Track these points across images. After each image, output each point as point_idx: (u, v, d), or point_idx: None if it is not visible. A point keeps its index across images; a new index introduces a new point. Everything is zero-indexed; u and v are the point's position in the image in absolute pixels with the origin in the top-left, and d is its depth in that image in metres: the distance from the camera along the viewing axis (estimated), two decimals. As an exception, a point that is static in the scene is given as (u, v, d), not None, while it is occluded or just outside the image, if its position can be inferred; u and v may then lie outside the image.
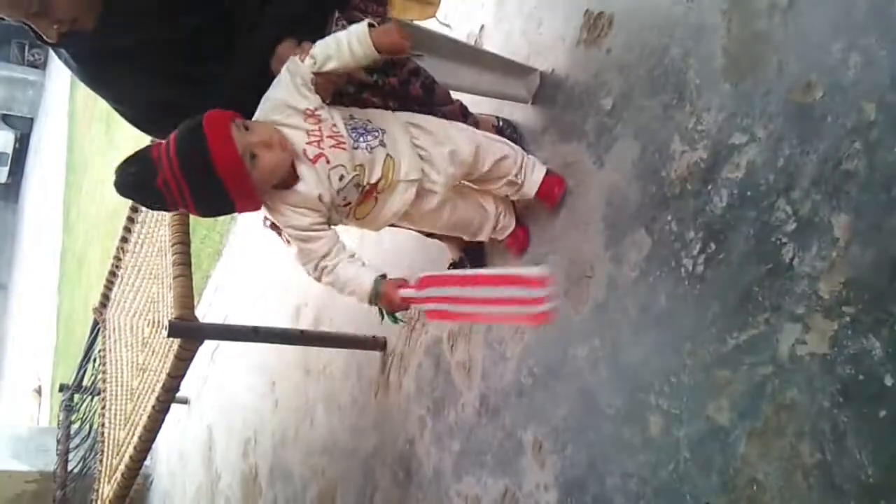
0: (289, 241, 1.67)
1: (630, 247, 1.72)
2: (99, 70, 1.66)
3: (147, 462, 5.37)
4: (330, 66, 1.57)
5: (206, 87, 1.64)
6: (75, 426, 4.85)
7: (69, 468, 4.57)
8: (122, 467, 2.93)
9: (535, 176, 1.90)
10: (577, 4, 2.01)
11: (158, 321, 2.99)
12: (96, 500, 3.35)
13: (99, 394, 3.94)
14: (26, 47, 21.97)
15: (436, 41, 1.97)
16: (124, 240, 3.71)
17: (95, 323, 4.26)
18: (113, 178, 1.52)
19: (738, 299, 1.44)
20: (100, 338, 4.13)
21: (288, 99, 1.59)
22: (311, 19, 1.68)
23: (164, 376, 2.50)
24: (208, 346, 4.86)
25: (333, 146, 1.59)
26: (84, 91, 13.64)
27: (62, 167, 15.25)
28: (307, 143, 1.57)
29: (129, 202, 3.48)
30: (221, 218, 5.25)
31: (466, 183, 1.89)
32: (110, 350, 3.82)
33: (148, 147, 1.52)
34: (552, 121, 2.04)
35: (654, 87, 1.73)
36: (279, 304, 3.89)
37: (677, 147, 1.64)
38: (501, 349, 2.08)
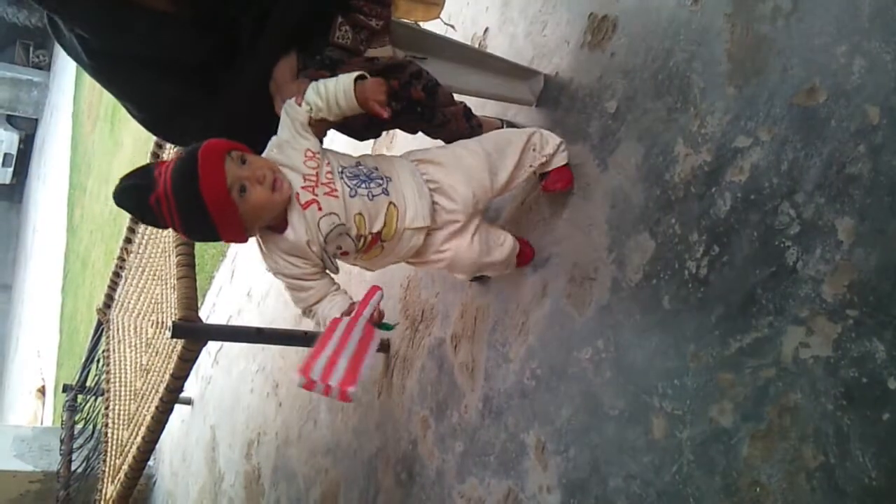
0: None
1: (634, 249, 1.72)
2: (109, 66, 1.66)
3: (150, 462, 5.39)
4: (321, 115, 1.60)
5: (213, 89, 1.65)
6: (79, 426, 4.86)
7: (72, 468, 4.59)
8: (125, 467, 2.94)
9: (555, 161, 1.90)
10: (582, 8, 2.01)
11: (162, 322, 3.00)
12: (100, 501, 3.36)
13: (102, 394, 3.95)
14: (31, 48, 22.04)
15: (440, 44, 1.98)
16: (128, 241, 3.72)
17: (99, 323, 4.27)
18: (114, 191, 1.53)
19: (742, 302, 1.44)
20: (103, 338, 4.14)
21: (290, 140, 1.61)
22: (312, 28, 1.69)
23: (167, 377, 2.51)
24: (212, 347, 4.89)
25: (326, 193, 1.58)
26: (88, 92, 13.67)
27: (66, 168, 15.29)
28: (301, 188, 1.57)
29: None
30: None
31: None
32: (114, 350, 3.83)
33: (154, 163, 1.53)
34: (556, 123, 2.05)
35: (658, 91, 1.74)
36: (283, 306, 3.90)
37: (681, 150, 1.64)
38: (504, 351, 2.09)
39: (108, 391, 3.72)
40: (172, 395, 2.54)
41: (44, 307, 14.37)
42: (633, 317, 1.69)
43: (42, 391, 11.65)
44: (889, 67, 1.27)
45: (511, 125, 2.14)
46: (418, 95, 1.77)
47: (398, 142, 2.83)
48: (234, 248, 5.06)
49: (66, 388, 5.12)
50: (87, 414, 4.78)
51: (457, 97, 1.93)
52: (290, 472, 3.48)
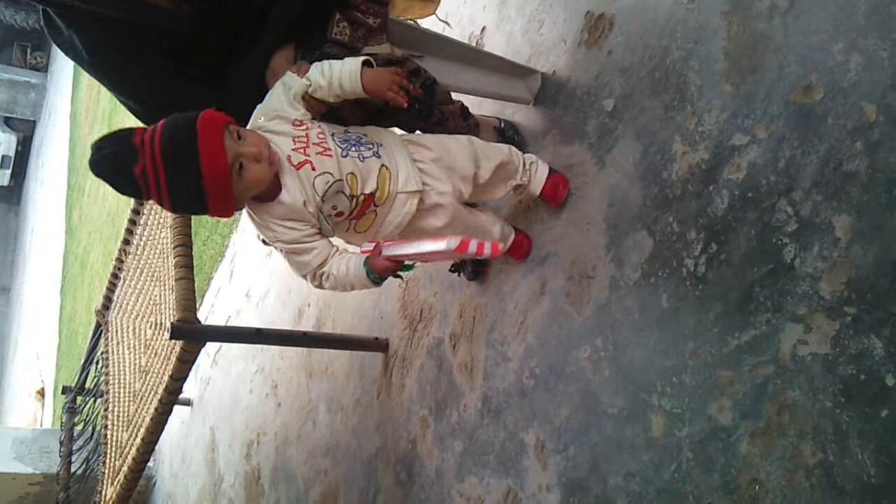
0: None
1: (632, 248, 1.72)
2: (108, 62, 1.67)
3: (150, 464, 5.39)
4: (320, 94, 1.59)
5: (212, 83, 1.66)
6: (78, 428, 4.85)
7: (72, 470, 4.58)
8: (125, 469, 2.93)
9: (538, 175, 1.90)
10: (578, 6, 2.01)
11: (161, 323, 3.00)
12: (99, 502, 3.36)
13: (101, 396, 3.95)
14: (28, 50, 22.01)
15: (437, 43, 1.98)
16: (126, 242, 3.71)
17: (98, 325, 4.26)
18: (89, 154, 1.48)
19: (740, 300, 1.44)
20: (102, 340, 4.13)
21: (278, 108, 1.60)
22: (311, 24, 1.69)
23: (166, 378, 2.51)
24: (211, 348, 4.89)
25: (319, 153, 1.57)
26: (86, 94, 13.65)
27: (64, 170, 15.26)
28: (292, 150, 1.56)
29: (132, 205, 3.49)
30: (224, 220, 5.27)
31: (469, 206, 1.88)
32: (113, 352, 3.82)
33: (130, 130, 1.47)
34: (554, 122, 2.05)
35: (656, 89, 1.74)
36: (281, 306, 3.89)
37: (679, 148, 1.64)
38: (503, 350, 2.09)
39: (108, 393, 3.72)
40: (171, 396, 2.54)
41: (42, 309, 14.35)
42: (632, 315, 1.69)
43: (41, 393, 11.63)
44: (885, 64, 1.27)
45: (509, 124, 2.13)
46: (416, 93, 1.77)
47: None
48: (233, 249, 5.05)
49: (65, 390, 5.11)
50: (87, 416, 4.77)
51: (454, 96, 1.93)
52: (289, 472, 3.47)
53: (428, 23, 2.02)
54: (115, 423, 3.46)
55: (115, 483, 3.08)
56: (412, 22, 1.95)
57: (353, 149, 1.63)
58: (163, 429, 2.70)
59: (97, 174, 1.49)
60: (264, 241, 1.70)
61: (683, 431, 1.52)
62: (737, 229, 1.47)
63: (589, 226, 1.85)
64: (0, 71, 21.72)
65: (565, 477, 1.81)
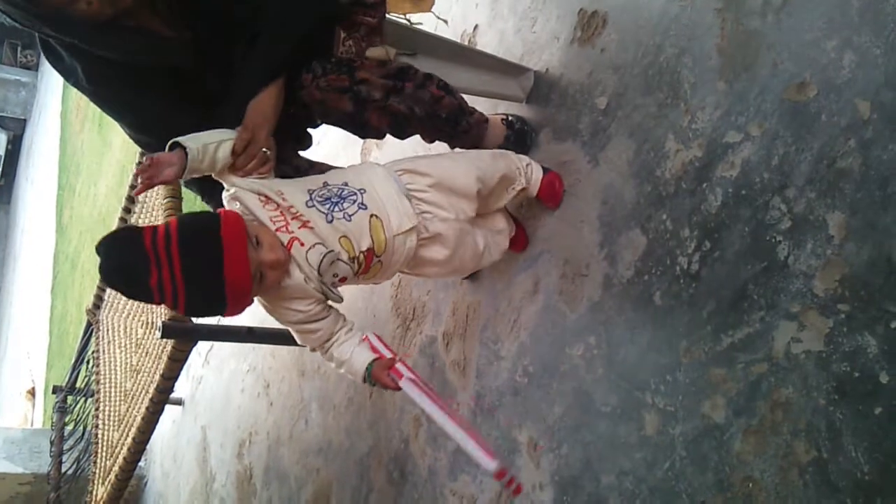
0: None
1: (625, 245, 1.72)
2: (110, 91, 1.66)
3: (141, 463, 5.37)
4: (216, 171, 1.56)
5: (209, 107, 1.65)
6: (69, 428, 4.83)
7: (63, 470, 4.57)
8: (116, 468, 2.92)
9: (534, 176, 1.89)
10: (571, 3, 2.01)
11: (152, 322, 2.99)
12: (90, 502, 3.35)
13: (92, 395, 3.94)
14: (19, 48, 21.90)
15: (429, 41, 1.97)
16: (118, 241, 3.69)
17: (89, 324, 4.24)
18: (100, 264, 1.40)
19: (734, 297, 1.44)
20: (93, 339, 4.12)
21: (238, 192, 1.55)
22: (316, 39, 1.69)
23: (157, 377, 2.50)
24: (202, 346, 4.87)
25: (300, 227, 1.50)
26: (76, 93, 13.59)
27: (55, 169, 15.20)
28: (276, 231, 1.49)
29: (123, 203, 3.47)
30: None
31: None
32: (104, 351, 3.81)
33: (138, 232, 1.40)
34: (547, 120, 2.04)
35: (649, 86, 1.73)
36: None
37: (672, 146, 1.64)
38: (496, 348, 2.08)
39: (98, 392, 3.71)
40: (163, 395, 2.53)
41: (33, 309, 14.30)
42: (625, 313, 1.69)
43: (32, 393, 11.59)
44: (879, 62, 1.27)
45: (517, 117, 2.09)
46: (437, 93, 1.77)
47: (388, 140, 2.81)
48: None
49: (55, 390, 5.09)
50: (77, 415, 4.76)
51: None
52: (281, 471, 3.46)
53: (420, 20, 2.01)
54: (106, 422, 3.45)
55: (106, 483, 3.07)
56: (404, 20, 1.94)
57: (337, 209, 1.55)
58: (154, 428, 2.69)
59: (109, 284, 1.46)
60: None
61: (677, 429, 1.52)
62: (730, 227, 1.47)
63: (582, 223, 1.85)
64: (-10, 69, 21.63)
65: (558, 475, 1.80)
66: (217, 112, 1.63)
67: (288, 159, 1.83)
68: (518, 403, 1.97)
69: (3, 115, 22.37)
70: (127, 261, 1.38)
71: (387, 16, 1.81)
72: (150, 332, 3.00)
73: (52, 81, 17.29)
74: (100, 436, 3.50)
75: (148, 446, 2.86)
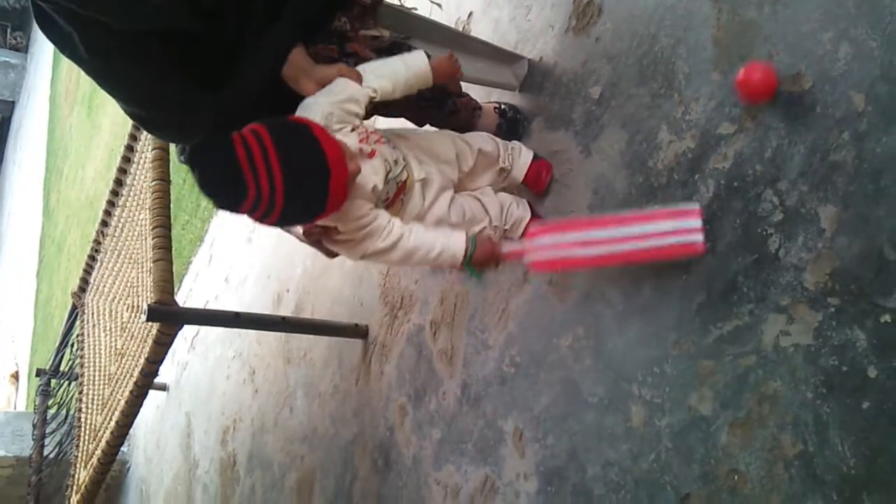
0: (337, 245, 1.63)
1: (615, 236, 1.71)
2: (109, 63, 1.62)
3: (124, 448, 5.35)
4: (384, 98, 1.60)
5: (217, 86, 1.62)
6: (52, 411, 4.80)
7: (45, 453, 4.53)
8: (98, 453, 2.90)
9: (521, 160, 1.88)
10: (567, -8, 1.99)
11: (138, 305, 2.96)
12: (72, 486, 3.32)
13: (76, 379, 3.90)
14: (8, 30, 21.72)
15: (423, 26, 1.95)
16: (104, 223, 3.66)
17: (74, 307, 4.21)
18: (198, 175, 1.36)
19: (723, 290, 1.44)
20: (78, 322, 4.08)
21: (338, 113, 1.56)
22: (325, 20, 1.67)
23: (142, 361, 2.47)
24: (188, 332, 4.84)
25: (376, 141, 1.59)
26: (66, 75, 13.51)
27: (43, 152, 15.08)
28: (359, 142, 1.55)
29: (110, 185, 3.44)
30: (203, 204, 5.21)
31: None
32: (88, 335, 3.78)
33: (227, 141, 1.36)
34: (540, 109, 2.03)
35: (643, 76, 1.72)
36: (260, 291, 3.86)
37: (665, 136, 1.63)
38: (484, 337, 2.07)
39: (82, 375, 3.67)
40: (147, 379, 2.50)
41: (18, 292, 14.21)
42: (614, 305, 1.68)
43: (15, 376, 11.52)
44: (875, 54, 1.27)
45: (510, 106, 2.08)
46: None
47: (380, 122, 2.80)
48: (212, 234, 5.01)
49: (39, 373, 5.06)
50: (61, 399, 4.72)
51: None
52: (265, 458, 3.45)
53: (415, 5, 1.99)
54: (90, 406, 3.42)
55: (89, 467, 3.04)
56: (398, 2, 1.92)
57: (383, 139, 1.65)
58: (137, 412, 2.66)
59: (209, 192, 1.39)
60: (315, 239, 1.67)
61: (663, 421, 1.51)
62: (722, 219, 1.47)
63: (573, 213, 1.84)
64: (-21, 50, 21.45)
65: (543, 465, 1.80)
66: (239, 71, 1.60)
67: None
68: (505, 393, 1.96)
69: (-9, 96, 22.19)
70: (225, 167, 1.35)
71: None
72: (135, 316, 2.98)
73: (41, 63, 17.16)
74: (83, 419, 3.47)
75: (131, 431, 2.84)
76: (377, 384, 2.60)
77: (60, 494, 4.20)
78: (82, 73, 1.70)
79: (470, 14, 2.41)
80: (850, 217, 1.26)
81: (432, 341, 2.31)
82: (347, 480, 2.68)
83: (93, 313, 3.83)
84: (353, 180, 1.49)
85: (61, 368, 4.77)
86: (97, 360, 3.48)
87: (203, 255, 5.15)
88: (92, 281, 3.93)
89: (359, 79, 1.58)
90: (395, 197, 1.65)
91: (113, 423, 2.73)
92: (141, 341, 2.72)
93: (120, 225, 3.45)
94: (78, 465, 3.29)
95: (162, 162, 2.74)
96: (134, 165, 3.22)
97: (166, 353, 2.45)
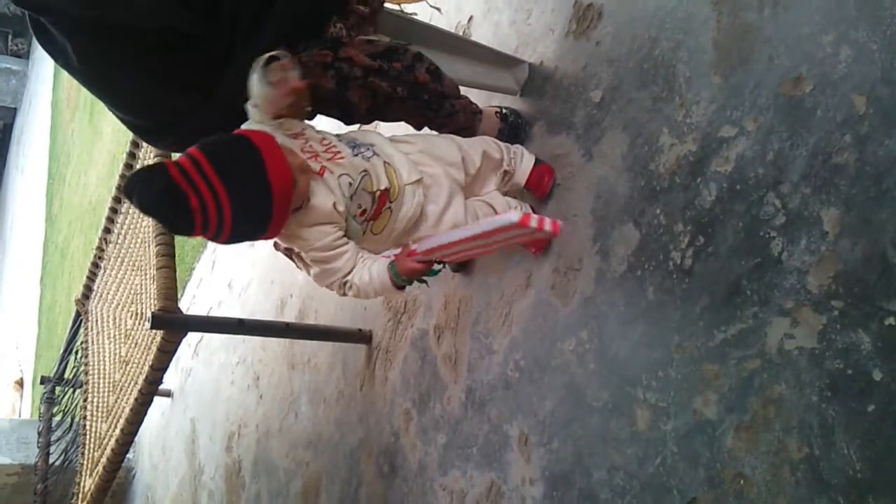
0: (305, 266, 1.65)
1: (618, 240, 1.71)
2: (101, 72, 1.63)
3: (129, 455, 5.35)
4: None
5: (208, 93, 1.62)
6: (57, 419, 4.81)
7: (50, 461, 4.54)
8: (104, 460, 2.90)
9: (523, 165, 1.89)
10: (567, -4, 1.99)
11: (141, 313, 2.97)
12: (78, 494, 3.33)
13: (81, 386, 3.91)
14: (9, 37, 21.77)
15: (424, 31, 1.95)
16: (107, 231, 3.67)
17: (78, 314, 4.22)
18: (136, 199, 1.38)
19: (727, 293, 1.43)
20: (82, 329, 4.09)
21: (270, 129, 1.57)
22: (312, 23, 1.66)
23: (146, 368, 2.48)
24: (192, 338, 4.85)
25: (330, 158, 1.57)
26: (67, 81, 13.53)
27: (45, 158, 15.11)
28: (308, 160, 1.54)
29: (113, 192, 3.45)
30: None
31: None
32: (93, 342, 3.78)
33: (161, 165, 1.39)
34: (541, 113, 2.03)
35: (644, 80, 1.72)
36: (264, 297, 3.87)
37: (666, 140, 1.63)
38: (488, 342, 2.07)
39: (87, 383, 3.68)
40: (152, 386, 2.51)
41: (22, 299, 14.23)
42: (618, 308, 1.68)
43: (20, 383, 11.54)
44: (876, 57, 1.26)
45: (511, 110, 2.08)
46: (423, 78, 1.76)
47: (382, 129, 2.80)
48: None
49: (44, 380, 5.06)
50: (66, 406, 4.73)
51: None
52: (270, 464, 3.45)
53: (415, 10, 2.00)
54: (95, 413, 3.43)
55: (94, 474, 3.05)
56: (398, 8, 1.93)
57: (356, 149, 1.64)
58: (142, 420, 2.67)
59: (154, 214, 1.44)
60: (285, 250, 1.69)
61: (668, 425, 1.51)
62: (724, 222, 1.46)
63: (575, 217, 1.84)
64: (-20, 57, 21.50)
65: (549, 470, 1.80)
66: (227, 76, 1.61)
67: None
68: (509, 398, 1.96)
69: (-7, 103, 22.23)
70: (162, 187, 1.36)
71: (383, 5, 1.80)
72: (139, 323, 2.98)
73: (43, 70, 17.20)
74: (88, 427, 3.48)
75: (136, 438, 2.84)
76: (382, 389, 2.60)
77: (66, 502, 4.21)
78: (94, 96, 1.71)
79: (470, 18, 2.42)
80: (852, 220, 1.26)
81: (436, 346, 2.31)
82: (353, 486, 2.68)
83: (97, 320, 3.83)
84: (303, 196, 1.49)
85: (66, 376, 4.77)
86: (101, 367, 3.49)
87: (206, 260, 5.15)
88: (95, 288, 3.94)
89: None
90: (378, 207, 1.64)
91: (118, 431, 2.74)
92: (145, 349, 2.72)
93: (123, 232, 3.46)
94: (84, 473, 3.30)
95: (164, 169, 2.74)
96: (136, 173, 3.22)
97: (171, 360, 2.45)
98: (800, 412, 1.28)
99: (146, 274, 2.95)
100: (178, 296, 2.58)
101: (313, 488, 2.99)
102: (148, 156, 2.99)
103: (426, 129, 1.93)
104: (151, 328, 2.32)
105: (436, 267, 1.58)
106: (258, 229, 1.49)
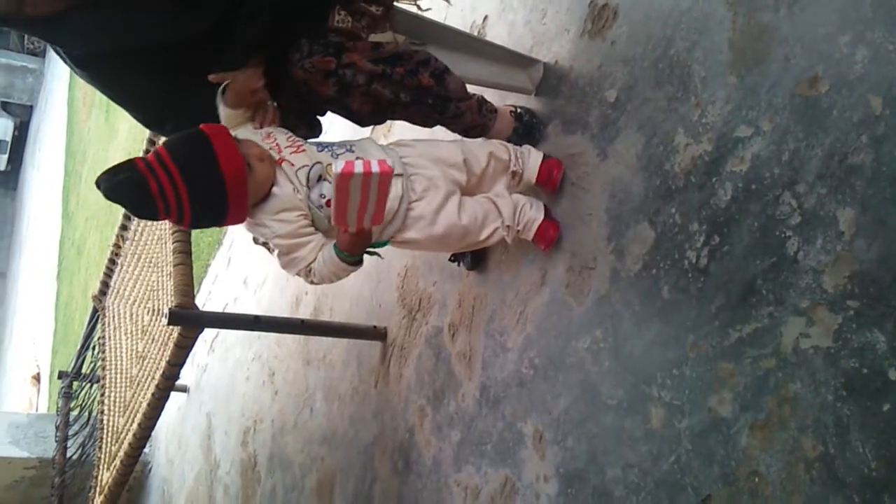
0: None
1: (633, 239, 1.71)
2: (99, 72, 1.66)
3: (146, 449, 5.40)
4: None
5: (203, 84, 1.64)
6: (74, 413, 4.86)
7: (68, 455, 4.59)
8: (121, 454, 2.93)
9: (532, 161, 1.90)
10: (582, -5, 2.00)
11: (158, 309, 3.00)
12: (95, 487, 3.36)
13: (98, 381, 3.95)
14: (26, 35, 21.92)
15: (439, 31, 1.96)
16: (124, 227, 3.71)
17: (95, 311, 4.26)
18: (102, 185, 1.51)
19: (742, 292, 1.44)
20: (99, 325, 4.13)
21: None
22: (312, 11, 1.68)
23: (163, 364, 2.51)
24: (208, 334, 4.88)
25: (293, 151, 1.64)
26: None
27: (61, 155, 15.23)
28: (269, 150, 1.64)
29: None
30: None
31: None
32: (109, 338, 3.82)
33: (132, 159, 1.54)
34: (556, 112, 2.04)
35: (659, 80, 1.73)
36: (279, 294, 3.89)
37: (682, 140, 1.64)
38: (502, 339, 2.08)
39: (104, 378, 3.72)
40: (168, 381, 2.54)
41: (39, 295, 14.35)
42: (633, 307, 1.69)
43: (37, 378, 11.64)
44: (892, 57, 1.26)
45: (526, 109, 2.08)
46: (427, 83, 1.77)
47: (396, 130, 2.82)
48: (231, 236, 5.04)
49: (61, 375, 5.12)
50: (83, 401, 4.78)
51: (470, 88, 1.92)
52: (286, 460, 3.48)
53: (429, 4, 2.01)
54: (112, 408, 3.46)
55: (112, 468, 3.08)
56: (414, 7, 1.93)
57: (326, 150, 1.70)
58: (159, 415, 2.70)
59: (113, 198, 1.53)
60: (266, 246, 1.78)
61: (683, 423, 1.52)
62: (740, 221, 1.47)
63: (590, 217, 1.85)
64: (-3, 55, 21.64)
65: (563, 468, 1.81)
66: (225, 59, 1.65)
67: None
68: (524, 395, 1.97)
69: (9, 101, 22.41)
70: (127, 176, 1.50)
71: (395, 4, 1.81)
72: (156, 319, 3.01)
73: (58, 68, 17.30)
74: (105, 421, 3.51)
75: (153, 433, 2.87)
76: (396, 386, 2.61)
77: (84, 495, 4.26)
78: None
79: (485, 18, 2.42)
80: (868, 220, 1.26)
81: (451, 343, 2.32)
82: (367, 482, 2.70)
83: (114, 316, 3.87)
84: (263, 183, 1.59)
85: (83, 371, 4.82)
86: (119, 362, 3.52)
87: (222, 257, 5.19)
88: (112, 284, 3.98)
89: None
90: None
91: (135, 426, 2.76)
92: (162, 344, 2.75)
93: (139, 229, 3.49)
94: (101, 467, 3.33)
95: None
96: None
97: (187, 356, 2.48)
98: (815, 411, 1.28)
99: (163, 271, 2.98)
100: (195, 292, 2.61)
101: (328, 484, 3.01)
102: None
103: (438, 127, 1.94)
104: (168, 324, 2.35)
105: (376, 247, 1.68)
106: (218, 215, 1.59)
